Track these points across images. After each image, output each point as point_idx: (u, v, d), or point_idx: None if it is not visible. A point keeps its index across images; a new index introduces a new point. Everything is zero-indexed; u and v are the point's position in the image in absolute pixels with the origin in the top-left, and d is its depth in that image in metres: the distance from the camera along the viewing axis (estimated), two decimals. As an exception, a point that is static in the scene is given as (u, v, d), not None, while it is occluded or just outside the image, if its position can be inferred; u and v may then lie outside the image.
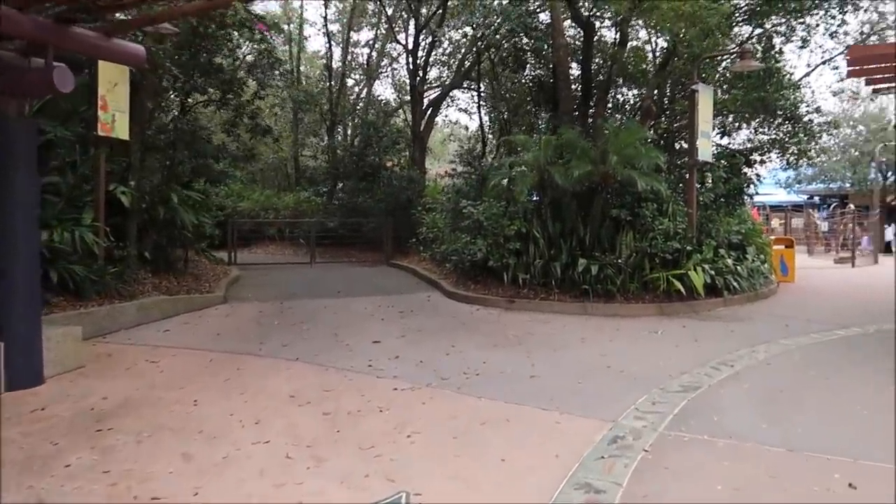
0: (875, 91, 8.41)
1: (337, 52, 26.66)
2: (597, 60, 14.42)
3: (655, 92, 13.26)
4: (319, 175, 24.36)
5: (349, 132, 25.16)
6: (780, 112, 14.85)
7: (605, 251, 10.46)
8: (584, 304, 10.07)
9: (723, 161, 14.32)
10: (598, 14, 13.12)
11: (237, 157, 15.94)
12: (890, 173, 30.61)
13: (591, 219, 10.69)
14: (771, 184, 35.16)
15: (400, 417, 4.99)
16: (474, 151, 19.88)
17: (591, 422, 4.88)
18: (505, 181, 11.34)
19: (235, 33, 11.79)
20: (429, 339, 7.99)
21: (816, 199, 39.10)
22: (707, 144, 11.40)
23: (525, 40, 14.61)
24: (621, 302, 10.12)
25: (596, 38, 15.57)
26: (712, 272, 10.66)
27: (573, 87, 12.78)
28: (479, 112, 18.78)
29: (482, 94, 19.00)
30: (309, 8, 28.78)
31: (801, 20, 14.07)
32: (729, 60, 12.45)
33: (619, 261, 10.23)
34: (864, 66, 7.38)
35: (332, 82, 25.00)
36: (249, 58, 15.50)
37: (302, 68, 29.72)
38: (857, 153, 30.15)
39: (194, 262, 12.56)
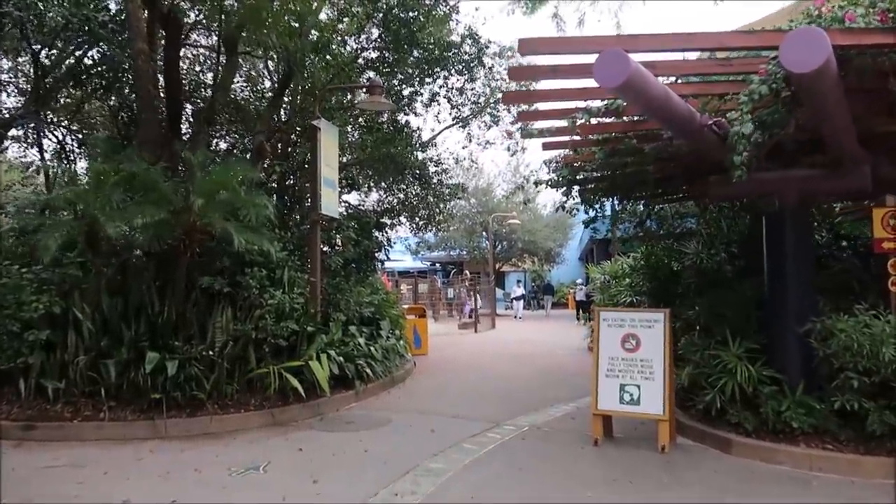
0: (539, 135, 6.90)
1: None
2: (202, 82, 11.37)
3: (276, 121, 10.67)
4: None
5: None
6: (409, 171, 13.70)
7: (192, 339, 7.18)
8: (154, 423, 6.59)
9: (353, 223, 12.48)
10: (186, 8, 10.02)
11: None
12: (498, 243, 33.69)
13: (172, 291, 7.34)
14: (399, 250, 36.12)
15: None
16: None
17: None
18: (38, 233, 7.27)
19: None
20: None
21: (438, 265, 41.69)
22: (333, 196, 9.13)
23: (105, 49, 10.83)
24: (214, 413, 6.88)
25: (201, 61, 12.54)
26: (341, 358, 8.22)
27: (161, 109, 9.41)
28: (40, 143, 13.88)
29: (51, 121, 14.16)
30: None
31: (428, 78, 13.22)
32: (358, 99, 10.53)
33: (213, 352, 7.05)
34: (524, 78, 5.78)
35: None
36: None
37: None
38: (471, 223, 32.46)
39: None
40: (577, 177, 8.27)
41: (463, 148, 18.24)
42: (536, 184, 8.38)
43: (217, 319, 7.17)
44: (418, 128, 13.98)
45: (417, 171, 13.99)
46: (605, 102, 5.58)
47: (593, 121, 5.95)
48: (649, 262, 13.05)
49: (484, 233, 31.31)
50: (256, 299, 7.41)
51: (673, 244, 11.50)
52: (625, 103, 5.42)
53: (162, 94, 9.42)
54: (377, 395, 8.93)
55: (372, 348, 9.36)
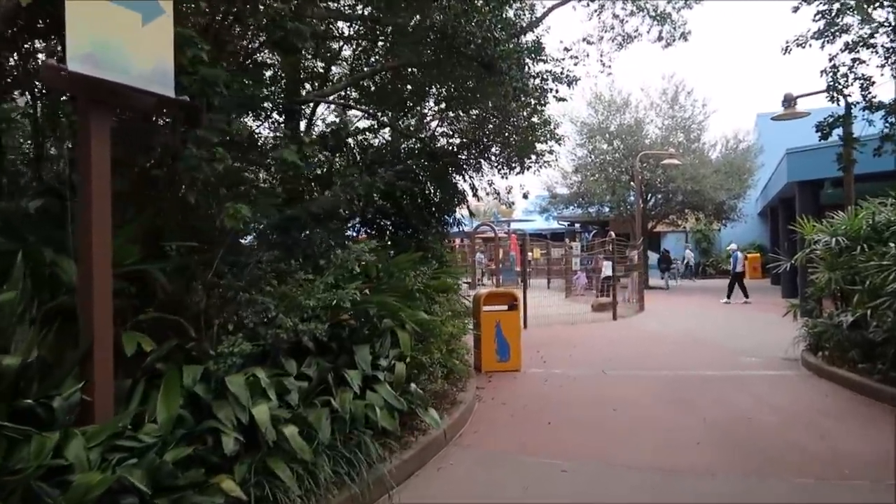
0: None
1: None
2: None
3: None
4: None
5: None
6: (475, 57, 7.54)
7: None
8: None
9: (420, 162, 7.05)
10: None
11: None
12: (650, 195, 26.33)
13: None
14: (527, 209, 29.87)
15: None
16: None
17: None
18: None
19: None
20: None
21: (577, 226, 34.80)
22: (124, 22, 3.42)
23: None
24: None
25: None
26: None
27: None
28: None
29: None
30: None
31: None
32: None
33: None
34: None
35: None
36: None
37: None
38: (615, 172, 25.37)
39: None
40: None
41: (589, 44, 11.51)
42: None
43: None
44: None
45: (500, 65, 7.60)
46: None
47: None
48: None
49: (631, 182, 24.17)
50: None
51: None
52: None
53: None
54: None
55: (286, 428, 3.69)
